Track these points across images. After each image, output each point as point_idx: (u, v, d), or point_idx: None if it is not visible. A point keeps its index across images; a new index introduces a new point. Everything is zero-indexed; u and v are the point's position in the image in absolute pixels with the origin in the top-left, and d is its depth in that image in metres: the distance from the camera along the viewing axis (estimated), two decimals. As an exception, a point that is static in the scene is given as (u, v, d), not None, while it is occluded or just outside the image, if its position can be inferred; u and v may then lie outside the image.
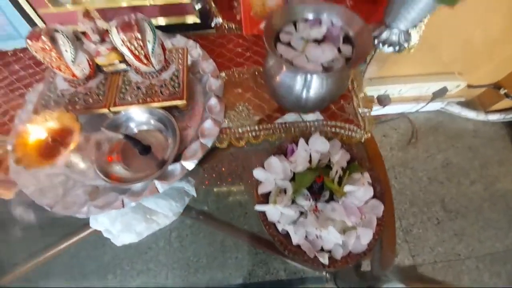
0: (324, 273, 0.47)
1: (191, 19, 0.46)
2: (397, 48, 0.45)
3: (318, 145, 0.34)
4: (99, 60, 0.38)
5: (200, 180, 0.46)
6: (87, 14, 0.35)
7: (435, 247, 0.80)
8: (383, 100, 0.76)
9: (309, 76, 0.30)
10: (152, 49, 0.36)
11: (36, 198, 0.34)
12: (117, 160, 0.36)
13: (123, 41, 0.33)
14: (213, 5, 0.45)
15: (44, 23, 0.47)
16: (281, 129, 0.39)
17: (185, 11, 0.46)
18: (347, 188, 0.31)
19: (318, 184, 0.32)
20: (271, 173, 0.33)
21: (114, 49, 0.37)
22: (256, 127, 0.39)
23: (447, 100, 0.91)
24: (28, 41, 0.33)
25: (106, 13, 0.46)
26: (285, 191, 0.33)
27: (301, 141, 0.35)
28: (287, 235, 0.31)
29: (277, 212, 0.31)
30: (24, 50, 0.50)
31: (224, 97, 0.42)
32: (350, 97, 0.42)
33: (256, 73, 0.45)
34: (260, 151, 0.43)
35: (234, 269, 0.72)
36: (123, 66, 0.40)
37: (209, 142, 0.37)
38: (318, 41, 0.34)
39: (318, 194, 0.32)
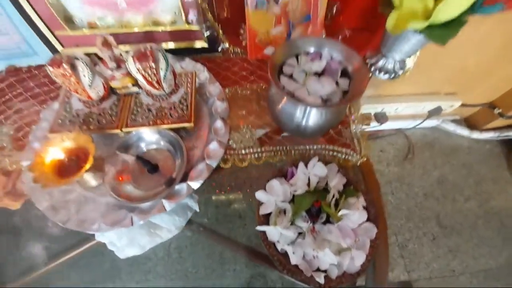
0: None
1: (200, 44, 0.50)
2: (392, 75, 0.49)
3: (317, 169, 0.37)
4: (114, 84, 0.42)
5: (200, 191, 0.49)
6: (105, 43, 0.38)
7: (430, 263, 0.82)
8: (380, 118, 0.80)
9: (308, 108, 0.33)
10: (164, 76, 0.39)
11: (50, 214, 0.36)
12: (127, 180, 0.38)
13: (138, 70, 0.36)
14: (220, 32, 0.48)
15: (60, 43, 0.50)
16: (282, 152, 0.42)
17: (194, 37, 0.49)
18: (342, 212, 0.33)
19: (316, 208, 0.34)
20: (272, 195, 0.36)
21: (128, 74, 0.40)
22: (259, 149, 0.42)
23: (443, 118, 0.95)
24: (50, 67, 0.36)
25: (119, 37, 0.49)
26: (284, 212, 0.36)
27: (301, 164, 0.38)
28: (285, 255, 0.33)
29: (277, 233, 0.34)
30: (39, 67, 0.53)
31: (229, 118, 0.45)
32: (347, 122, 0.45)
33: (260, 96, 0.48)
34: (260, 166, 0.46)
35: (232, 281, 0.73)
36: (135, 89, 0.43)
37: (214, 163, 0.40)
38: (318, 74, 0.37)
39: (315, 216, 0.35)
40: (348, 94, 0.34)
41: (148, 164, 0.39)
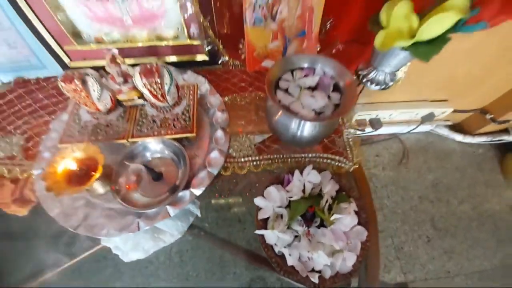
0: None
1: (201, 57, 0.53)
2: (382, 86, 0.52)
3: (311, 177, 0.40)
4: (121, 97, 0.45)
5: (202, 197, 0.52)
6: (113, 59, 0.41)
7: (426, 265, 0.85)
8: (375, 124, 0.83)
9: (303, 121, 0.36)
10: (168, 89, 0.42)
11: (61, 220, 0.39)
12: (134, 188, 0.41)
13: (144, 84, 0.40)
14: (221, 46, 0.52)
15: (69, 57, 0.53)
16: (279, 160, 0.45)
17: (196, 51, 0.53)
18: (335, 216, 0.36)
19: (310, 213, 0.37)
20: (270, 201, 0.39)
21: (135, 88, 0.44)
22: (257, 157, 0.46)
23: (436, 123, 0.99)
24: (62, 83, 0.39)
25: (124, 51, 0.52)
26: (281, 217, 0.39)
27: (296, 172, 0.41)
28: (282, 256, 0.36)
29: (274, 236, 0.37)
30: (47, 79, 0.56)
31: (229, 128, 0.49)
32: (340, 131, 0.48)
33: (258, 107, 0.51)
34: (259, 173, 0.49)
35: (232, 284, 0.76)
36: (140, 101, 0.46)
37: (215, 171, 0.43)
38: (311, 88, 0.40)
39: (310, 220, 0.38)
40: (340, 108, 0.38)
41: (153, 172, 0.42)
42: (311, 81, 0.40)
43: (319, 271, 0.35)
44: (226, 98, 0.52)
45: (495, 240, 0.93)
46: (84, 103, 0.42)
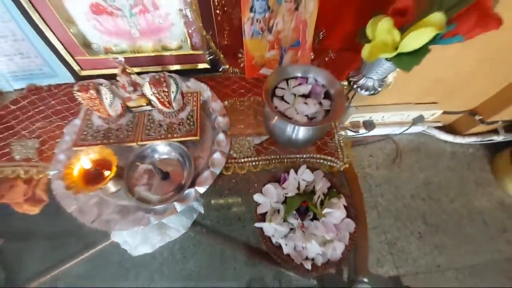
0: (312, 280, 0.56)
1: (203, 65, 0.58)
2: (372, 92, 0.57)
3: (305, 175, 0.45)
4: (130, 104, 0.49)
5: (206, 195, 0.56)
6: (124, 70, 0.46)
7: (418, 259, 0.90)
8: (368, 125, 0.88)
9: (297, 126, 0.41)
10: (174, 97, 0.47)
11: (78, 216, 0.44)
12: (143, 185, 0.46)
13: (153, 93, 0.44)
14: (221, 56, 0.56)
15: (80, 66, 0.57)
16: (276, 161, 0.50)
17: (198, 60, 0.57)
18: (326, 210, 0.41)
19: (304, 207, 0.42)
20: (268, 197, 0.44)
21: (143, 95, 0.48)
22: (256, 158, 0.50)
23: (427, 125, 1.04)
24: (78, 93, 0.43)
25: (131, 60, 0.57)
26: (278, 211, 0.43)
27: (292, 171, 0.46)
28: (279, 247, 0.41)
29: (272, 229, 0.41)
30: (59, 86, 0.61)
31: (229, 131, 0.53)
32: (332, 134, 0.53)
33: (257, 111, 0.56)
34: (257, 173, 0.54)
35: (232, 279, 0.80)
36: (148, 107, 0.51)
37: (217, 171, 0.48)
38: (304, 96, 0.45)
39: (304, 214, 0.43)
40: (330, 114, 0.43)
41: (161, 172, 0.46)
42: (304, 89, 0.45)
43: (312, 259, 0.40)
44: (227, 103, 0.57)
45: (485, 236, 0.98)
46: (97, 109, 0.47)
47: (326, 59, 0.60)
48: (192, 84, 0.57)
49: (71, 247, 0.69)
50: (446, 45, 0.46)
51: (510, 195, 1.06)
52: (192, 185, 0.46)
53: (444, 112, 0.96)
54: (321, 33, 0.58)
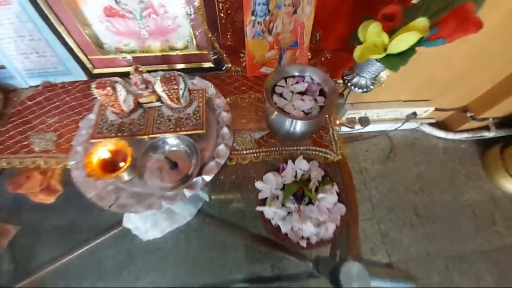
0: (308, 263, 0.62)
1: (207, 64, 0.63)
2: (364, 90, 0.63)
3: (301, 165, 0.50)
4: (142, 100, 0.54)
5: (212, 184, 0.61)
6: (137, 69, 0.51)
7: (409, 248, 0.96)
8: (363, 122, 0.94)
9: (294, 120, 0.46)
10: (182, 94, 0.52)
11: (97, 201, 0.49)
12: (154, 174, 0.51)
13: (163, 90, 0.49)
14: (224, 55, 0.61)
15: (92, 65, 0.62)
16: (275, 152, 0.55)
17: (203, 59, 0.62)
18: (320, 195, 0.47)
19: (300, 193, 0.48)
20: (268, 184, 0.49)
21: (154, 92, 0.53)
22: (257, 150, 0.56)
23: (421, 121, 1.10)
24: (96, 90, 0.48)
25: (140, 59, 0.62)
26: (277, 197, 0.49)
27: (290, 161, 0.51)
28: (278, 228, 0.46)
29: (271, 212, 0.47)
30: (72, 83, 0.65)
31: (232, 125, 0.58)
32: (327, 128, 0.58)
33: (257, 107, 0.61)
34: (258, 163, 0.59)
35: (234, 267, 0.86)
36: (158, 103, 0.56)
37: (222, 161, 0.53)
38: (301, 93, 0.50)
39: (300, 199, 0.48)
40: (324, 109, 0.48)
41: (170, 162, 0.52)
42: (301, 87, 0.50)
43: (307, 238, 0.46)
44: (229, 100, 0.62)
45: (474, 226, 1.04)
46: (112, 105, 0.52)
47: (322, 58, 0.65)
48: (198, 81, 0.62)
49: (83, 235, 0.75)
50: (434, 46, 0.51)
51: (500, 188, 1.11)
52: (199, 174, 0.52)
53: (436, 109, 1.02)
54: (318, 34, 0.63)
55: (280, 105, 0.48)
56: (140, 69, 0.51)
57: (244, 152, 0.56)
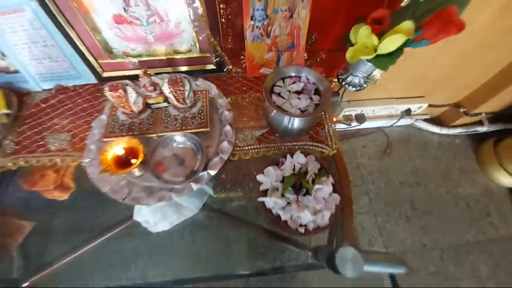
0: (308, 252, 0.67)
1: (209, 66, 0.68)
2: (358, 88, 0.67)
3: (299, 159, 0.55)
4: (150, 101, 0.59)
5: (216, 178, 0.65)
6: (145, 73, 0.55)
7: (405, 240, 1.01)
8: (359, 119, 0.98)
9: (291, 117, 0.51)
10: (188, 95, 0.56)
11: (111, 194, 0.54)
12: (164, 169, 0.56)
13: (171, 91, 0.54)
14: (226, 57, 0.66)
15: (102, 69, 0.67)
16: (275, 148, 0.60)
17: (206, 62, 0.67)
18: (316, 186, 0.51)
19: (298, 184, 0.52)
20: (268, 177, 0.54)
21: (161, 94, 0.58)
22: (258, 146, 0.60)
23: (416, 117, 1.14)
24: (109, 92, 0.53)
25: (146, 62, 0.66)
26: (277, 189, 0.54)
27: (288, 156, 0.56)
28: (278, 216, 0.51)
29: (272, 202, 0.51)
30: (83, 86, 0.70)
31: (234, 123, 0.63)
32: (323, 124, 0.63)
33: (257, 106, 0.66)
34: (259, 158, 0.64)
35: (237, 259, 0.91)
36: (165, 104, 0.61)
37: (225, 157, 0.58)
38: (298, 92, 0.55)
39: (298, 190, 0.53)
40: (319, 107, 0.52)
41: (178, 158, 0.56)
42: (298, 86, 0.55)
43: (305, 225, 0.50)
44: (231, 99, 0.67)
45: (468, 218, 1.09)
46: (123, 106, 0.57)
47: (318, 59, 0.69)
48: (201, 83, 0.67)
49: (92, 232, 0.79)
50: (420, 47, 0.55)
51: (494, 181, 1.16)
52: (205, 169, 0.56)
53: (430, 105, 1.07)
54: (313, 36, 0.68)
55: (279, 104, 0.53)
56: (148, 72, 0.56)
57: (246, 148, 0.60)
